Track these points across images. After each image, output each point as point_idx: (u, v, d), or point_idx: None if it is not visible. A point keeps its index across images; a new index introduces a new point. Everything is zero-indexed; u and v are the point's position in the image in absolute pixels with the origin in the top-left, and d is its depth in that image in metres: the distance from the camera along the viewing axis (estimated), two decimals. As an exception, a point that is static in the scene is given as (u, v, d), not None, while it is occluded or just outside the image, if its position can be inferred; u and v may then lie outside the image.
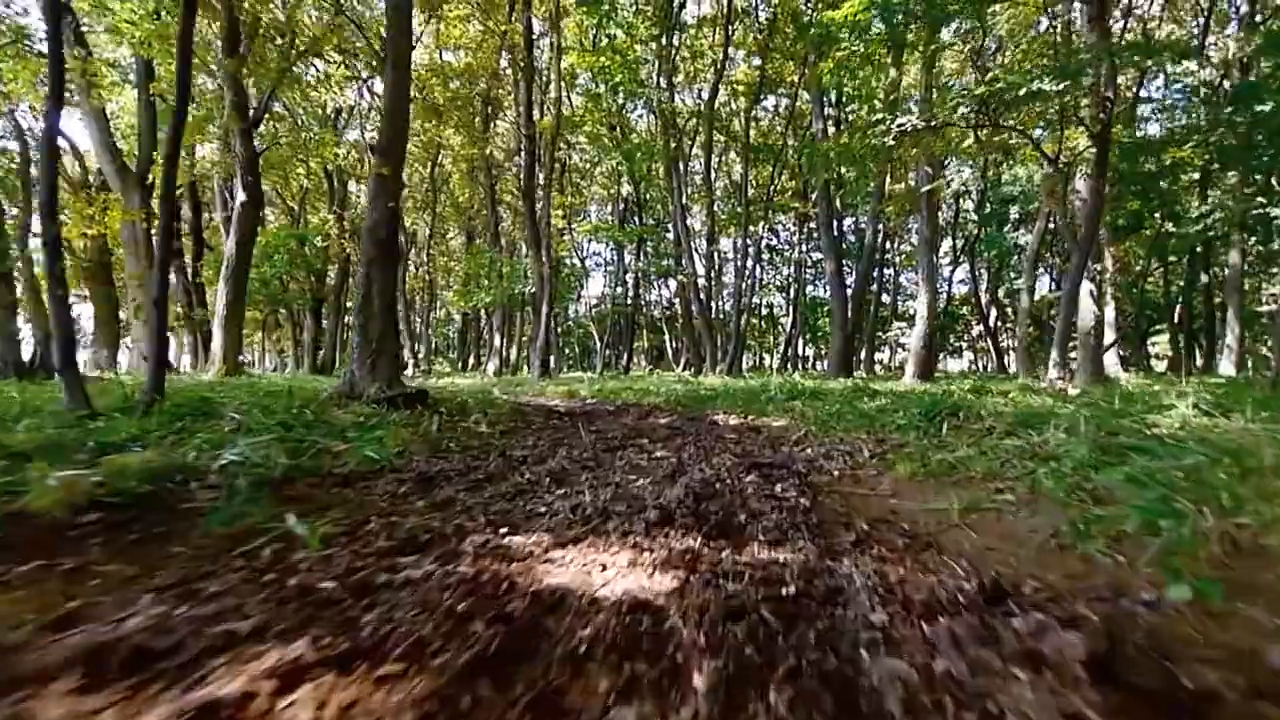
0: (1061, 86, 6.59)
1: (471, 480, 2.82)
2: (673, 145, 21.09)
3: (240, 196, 14.73)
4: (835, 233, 20.98)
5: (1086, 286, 11.51)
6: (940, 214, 21.31)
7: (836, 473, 3.14)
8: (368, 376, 6.17)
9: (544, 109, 21.20)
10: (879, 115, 8.85)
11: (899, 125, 8.46)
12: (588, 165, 32.54)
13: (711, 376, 16.40)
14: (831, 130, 20.31)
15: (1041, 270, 24.80)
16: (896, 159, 13.70)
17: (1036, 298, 20.69)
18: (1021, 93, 6.78)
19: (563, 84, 21.10)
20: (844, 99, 22.42)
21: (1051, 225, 16.83)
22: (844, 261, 21.20)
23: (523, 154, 20.16)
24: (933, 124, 8.49)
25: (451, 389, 12.11)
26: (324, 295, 28.26)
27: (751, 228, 23.24)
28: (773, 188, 25.36)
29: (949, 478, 2.85)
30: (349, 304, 41.69)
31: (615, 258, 33.49)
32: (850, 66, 11.60)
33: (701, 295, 22.07)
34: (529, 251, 20.27)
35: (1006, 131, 9.18)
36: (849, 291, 19.08)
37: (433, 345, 45.45)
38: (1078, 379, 10.17)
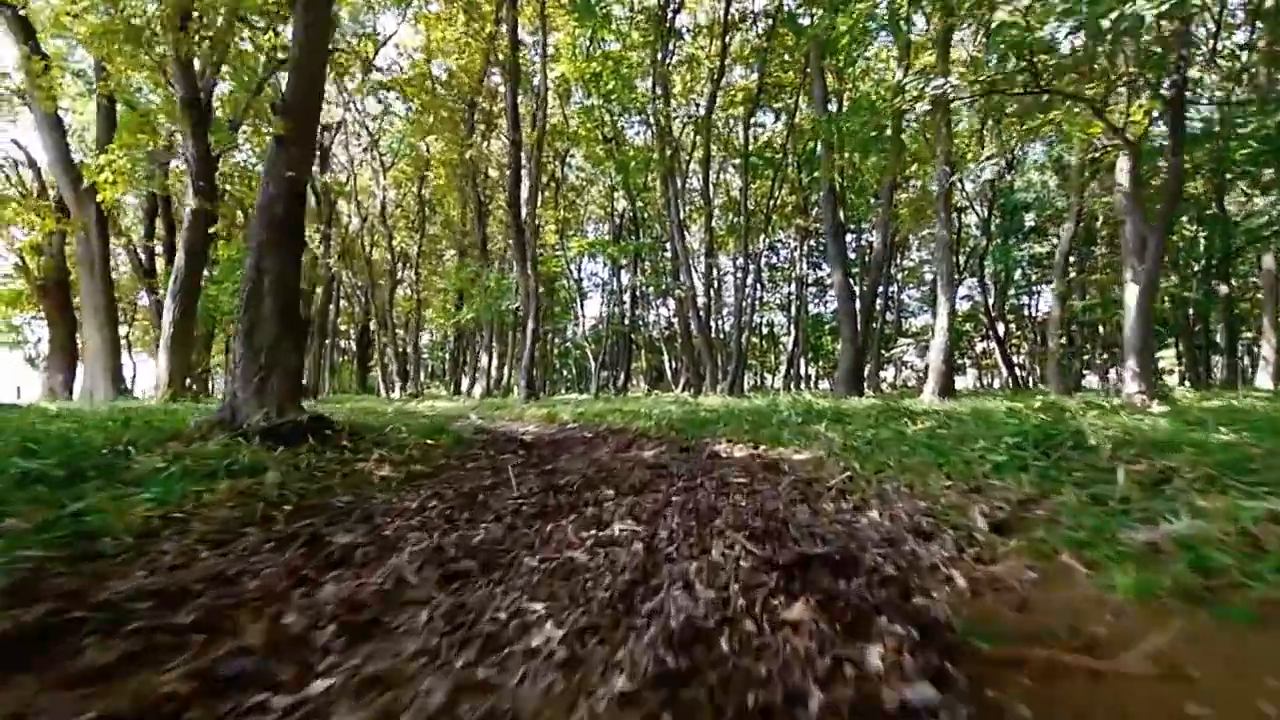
0: (1165, 6, 5.06)
1: (125, 647, 1.19)
2: (668, 155, 19.82)
3: (190, 203, 13.30)
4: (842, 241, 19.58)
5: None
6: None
7: (961, 579, 1.57)
8: (253, 400, 4.59)
9: (534, 121, 20.01)
10: (910, 79, 7.42)
11: (934, 88, 6.96)
12: (583, 183, 31.74)
13: (712, 397, 14.83)
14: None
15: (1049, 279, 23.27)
16: (911, 153, 12.32)
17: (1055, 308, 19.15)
18: (1113, 17, 5.21)
19: (549, 88, 19.96)
20: (844, 105, 21.27)
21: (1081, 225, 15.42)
22: (850, 273, 19.75)
23: (509, 161, 18.93)
24: (979, 82, 6.98)
25: (425, 412, 10.61)
26: (309, 317, 27.02)
27: (751, 244, 21.92)
28: (772, 201, 24.08)
29: (1223, 600, 1.31)
30: (342, 325, 40.37)
31: (612, 276, 32.31)
32: (870, 29, 10.24)
33: (701, 312, 20.63)
34: (516, 265, 18.89)
35: (1058, 101, 7.72)
36: (858, 305, 17.61)
37: (429, 368, 43.79)
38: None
